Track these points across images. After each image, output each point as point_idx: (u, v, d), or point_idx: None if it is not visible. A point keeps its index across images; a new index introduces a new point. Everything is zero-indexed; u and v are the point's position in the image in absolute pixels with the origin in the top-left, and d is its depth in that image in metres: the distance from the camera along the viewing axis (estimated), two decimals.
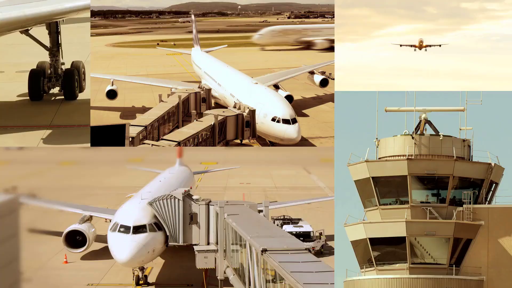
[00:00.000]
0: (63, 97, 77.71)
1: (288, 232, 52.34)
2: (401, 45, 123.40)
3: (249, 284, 40.41)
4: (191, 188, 64.06)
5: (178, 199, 53.20)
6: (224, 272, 49.21)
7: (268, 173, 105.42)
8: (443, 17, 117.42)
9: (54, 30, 77.13)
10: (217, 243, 51.51)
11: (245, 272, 41.65)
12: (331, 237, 67.66)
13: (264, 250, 36.38)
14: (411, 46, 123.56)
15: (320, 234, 66.50)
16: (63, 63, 78.55)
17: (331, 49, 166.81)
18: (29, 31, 74.39)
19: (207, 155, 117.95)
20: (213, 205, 52.94)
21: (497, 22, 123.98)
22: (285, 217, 70.76)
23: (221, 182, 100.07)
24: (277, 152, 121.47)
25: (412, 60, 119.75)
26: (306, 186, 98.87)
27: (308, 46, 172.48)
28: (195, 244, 53.13)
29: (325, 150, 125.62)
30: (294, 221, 68.91)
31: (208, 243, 52.97)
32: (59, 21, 75.34)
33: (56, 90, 78.51)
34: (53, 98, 77.65)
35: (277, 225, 65.77)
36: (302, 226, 66.73)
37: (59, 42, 77.58)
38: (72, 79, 77.69)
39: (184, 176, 78.86)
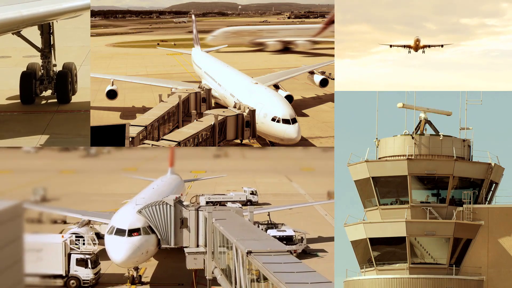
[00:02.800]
0: (55, 100, 75.01)
1: (272, 236, 55.10)
2: (391, 46, 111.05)
3: (235, 284, 42.29)
4: (181, 195, 68.92)
5: (170, 205, 56.53)
6: (212, 272, 51.52)
7: (252, 181, 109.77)
8: (443, 33, 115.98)
9: (46, 31, 74.36)
10: (205, 245, 54.14)
11: (232, 272, 43.65)
12: (311, 240, 71.33)
13: (249, 252, 38.67)
14: (404, 47, 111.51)
15: (302, 238, 69.42)
16: (55, 65, 75.84)
17: (284, 50, 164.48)
18: (21, 32, 71.05)
19: (196, 164, 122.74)
20: (202, 210, 56.16)
21: (497, 38, 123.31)
22: (269, 222, 73.87)
23: (210, 189, 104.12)
24: (261, 162, 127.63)
25: (411, 76, 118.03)
26: (288, 193, 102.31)
27: (262, 48, 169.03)
28: (186, 247, 56.30)
29: (305, 159, 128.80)
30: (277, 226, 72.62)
31: (198, 246, 56.05)
32: (52, 21, 72.50)
33: (48, 92, 75.73)
34: (44, 101, 75.17)
35: (262, 229, 68.25)
36: (285, 231, 69.58)
37: (52, 43, 74.80)
38: (65, 82, 75.02)
39: (175, 184, 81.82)
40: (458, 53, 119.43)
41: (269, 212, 75.01)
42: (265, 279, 35.39)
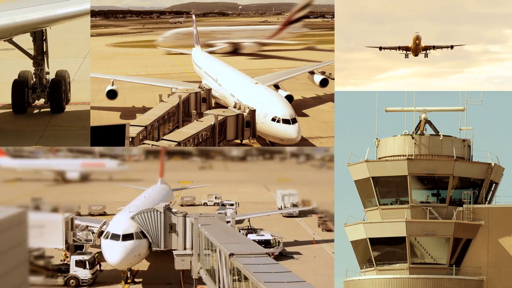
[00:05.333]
0: (48, 109, 72.95)
1: (251, 239, 59.18)
2: (381, 48, 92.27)
3: (219, 283, 45.70)
4: (170, 202, 74.35)
5: (160, 212, 60.94)
6: (198, 273, 55.75)
7: (234, 190, 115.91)
8: (446, 59, 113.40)
9: (39, 37, 71.89)
10: (192, 248, 58.45)
11: (216, 272, 47.15)
12: (287, 244, 75.94)
13: (231, 254, 41.91)
14: (399, 49, 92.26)
15: (279, 242, 73.29)
16: (47, 73, 73.31)
17: (233, 52, 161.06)
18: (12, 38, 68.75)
19: (184, 175, 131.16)
20: (189, 217, 60.19)
21: (500, 64, 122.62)
22: (249, 227, 77.91)
23: (196, 197, 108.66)
24: (241, 173, 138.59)
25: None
26: (266, 201, 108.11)
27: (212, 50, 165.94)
28: (174, 249, 60.53)
29: (282, 170, 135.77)
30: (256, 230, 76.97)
31: (185, 248, 60.18)
32: (45, 28, 69.85)
33: (41, 101, 73.48)
34: (36, 110, 73.44)
35: (243, 233, 72.05)
36: (263, 235, 73.78)
37: (45, 50, 72.37)
38: (59, 90, 72.50)
39: (165, 193, 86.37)
40: (462, 80, 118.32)
41: (249, 219, 78.36)
42: (246, 278, 38.49)
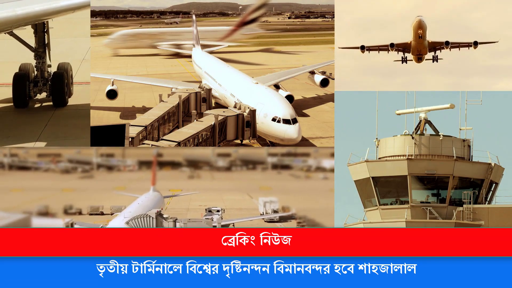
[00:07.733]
0: (50, 103, 72.70)
1: None
2: (363, 49, 66.50)
3: None
4: (162, 209, 75.93)
5: (152, 217, 62.09)
6: None
7: (220, 198, 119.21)
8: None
9: (41, 29, 71.05)
10: None
11: None
12: None
13: None
14: (390, 48, 64.96)
15: None
16: (49, 66, 72.64)
17: (176, 55, 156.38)
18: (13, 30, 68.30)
19: (174, 183, 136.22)
20: (179, 222, 61.78)
21: None
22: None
23: (185, 204, 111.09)
24: (226, 182, 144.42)
25: None
26: (249, 208, 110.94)
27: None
28: None
29: (263, 179, 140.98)
30: None
31: None
32: (46, 20, 69.14)
33: (43, 95, 73.01)
34: (38, 104, 73.10)
35: None
36: None
37: (46, 42, 71.57)
38: (61, 83, 71.95)
39: (157, 200, 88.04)
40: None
41: (233, 223, 79.53)
42: None
